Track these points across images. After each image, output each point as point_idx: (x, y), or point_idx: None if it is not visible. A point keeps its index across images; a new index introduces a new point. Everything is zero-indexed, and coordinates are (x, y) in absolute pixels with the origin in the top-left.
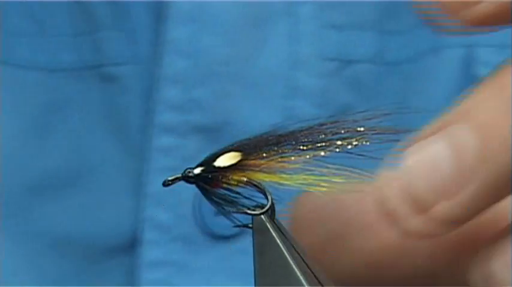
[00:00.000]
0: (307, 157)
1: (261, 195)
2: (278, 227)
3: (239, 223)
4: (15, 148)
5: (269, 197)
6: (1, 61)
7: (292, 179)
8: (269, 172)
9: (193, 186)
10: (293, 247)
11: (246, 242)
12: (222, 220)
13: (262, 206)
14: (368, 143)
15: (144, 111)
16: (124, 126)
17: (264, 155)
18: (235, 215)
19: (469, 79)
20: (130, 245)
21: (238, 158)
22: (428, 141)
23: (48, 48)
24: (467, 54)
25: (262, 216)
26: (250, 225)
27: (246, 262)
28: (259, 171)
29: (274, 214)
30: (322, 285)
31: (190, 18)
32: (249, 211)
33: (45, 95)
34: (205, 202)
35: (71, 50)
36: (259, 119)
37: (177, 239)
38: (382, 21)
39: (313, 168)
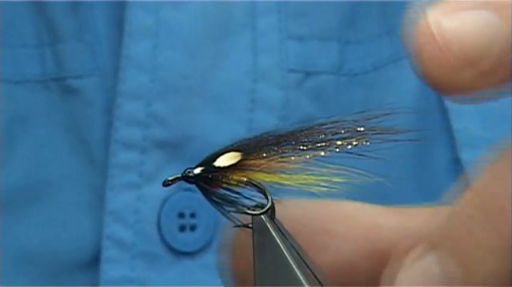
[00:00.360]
0: (307, 157)
1: (261, 195)
2: (278, 227)
3: (239, 223)
4: None
5: (269, 197)
6: None
7: (292, 179)
8: (269, 172)
9: (154, 202)
10: (293, 247)
11: (210, 257)
12: (184, 237)
13: (262, 206)
14: (368, 143)
15: (106, 126)
16: (87, 140)
17: (264, 155)
18: (234, 214)
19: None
20: (93, 262)
21: (238, 158)
22: None
23: (12, 59)
24: None
25: (262, 216)
26: (250, 225)
27: (210, 278)
28: (259, 171)
29: (274, 214)
30: (322, 285)
31: (149, 33)
32: (249, 211)
33: (9, 107)
34: (166, 219)
35: (34, 61)
36: (222, 132)
37: (139, 256)
38: (343, 31)
39: (313, 168)
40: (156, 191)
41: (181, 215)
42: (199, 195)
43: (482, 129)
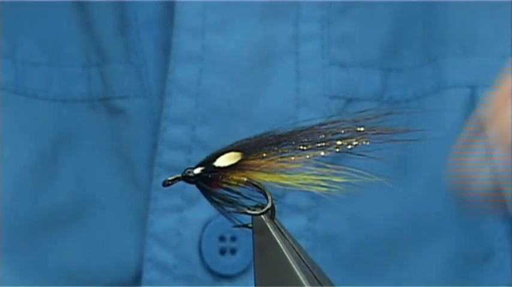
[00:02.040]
0: (307, 157)
1: (261, 195)
2: (278, 227)
3: (239, 223)
4: (24, 180)
5: (269, 197)
6: (13, 90)
7: (292, 179)
8: (269, 172)
9: (196, 225)
10: (293, 247)
11: (249, 281)
12: (225, 260)
13: (262, 206)
14: (368, 143)
15: (151, 147)
16: (131, 161)
17: (264, 155)
18: (235, 214)
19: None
20: (134, 283)
21: (238, 158)
22: None
23: (60, 78)
24: (471, 94)
25: (262, 216)
26: (250, 225)
27: None
28: (259, 171)
29: (274, 214)
30: (321, 285)
31: (195, 58)
32: (249, 211)
33: (55, 126)
34: (207, 242)
35: (81, 81)
36: None
37: (180, 279)
38: (385, 59)
39: (313, 168)
40: (198, 214)
41: (222, 238)
42: (240, 219)
43: None
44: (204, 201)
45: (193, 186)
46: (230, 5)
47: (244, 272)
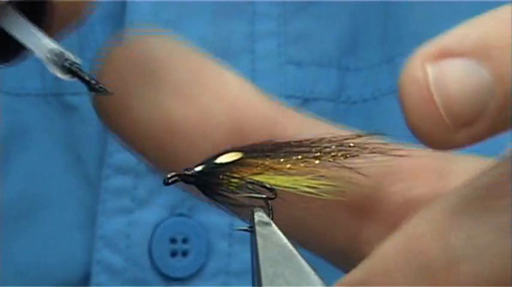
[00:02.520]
0: (301, 165)
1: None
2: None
3: (245, 220)
4: None
5: (273, 192)
6: None
7: (292, 180)
8: (268, 173)
9: (146, 227)
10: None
11: (201, 283)
12: (176, 262)
13: (262, 206)
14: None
15: (102, 145)
16: (83, 158)
17: (264, 155)
18: (234, 208)
19: None
20: (83, 283)
21: (240, 156)
22: None
23: (14, 72)
24: None
25: (263, 211)
26: (251, 228)
27: None
28: (259, 172)
29: (272, 213)
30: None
31: None
32: (258, 195)
33: (8, 120)
34: (157, 245)
35: (35, 75)
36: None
37: (129, 282)
38: (343, 58)
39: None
40: (149, 216)
41: (173, 240)
42: (192, 220)
43: None
44: (154, 203)
45: (145, 187)
46: (182, 3)
47: (196, 274)
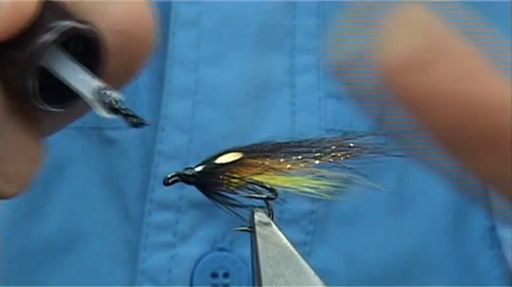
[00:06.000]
0: (302, 165)
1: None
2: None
3: (245, 220)
4: (15, 210)
5: (274, 192)
6: None
7: (291, 181)
8: (268, 172)
9: (187, 262)
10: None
11: None
12: None
13: (262, 206)
14: (357, 158)
15: (143, 178)
16: (123, 192)
17: (264, 155)
18: (239, 205)
19: None
20: None
21: (239, 156)
22: None
23: None
24: None
25: (263, 211)
26: (251, 229)
27: None
28: (259, 171)
29: (273, 212)
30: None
31: (189, 92)
32: (258, 196)
33: (47, 154)
34: (199, 279)
35: None
36: None
37: None
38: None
39: (311, 170)
40: (190, 250)
41: (214, 275)
42: (233, 255)
43: None
44: (195, 237)
45: (186, 222)
46: (224, 36)
47: None
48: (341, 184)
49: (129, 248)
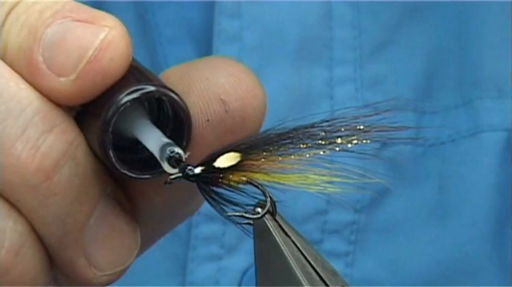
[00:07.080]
0: (307, 155)
1: (260, 193)
2: (279, 223)
3: (240, 223)
4: None
5: (268, 199)
6: None
7: (292, 179)
8: (269, 172)
9: (235, 273)
10: (295, 244)
11: None
12: None
13: (262, 205)
14: (368, 142)
15: None
16: None
17: (264, 154)
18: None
19: (509, 163)
20: None
21: (238, 159)
22: None
23: None
24: (507, 138)
25: (262, 218)
26: (251, 222)
27: None
28: (259, 171)
29: (275, 212)
30: (325, 283)
31: None
32: (247, 215)
33: None
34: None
35: None
36: (304, 200)
37: None
38: (418, 101)
39: (312, 168)
40: (237, 262)
41: None
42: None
43: None
44: (242, 249)
45: (233, 233)
46: (265, 50)
47: None
48: (349, 177)
49: (177, 262)
